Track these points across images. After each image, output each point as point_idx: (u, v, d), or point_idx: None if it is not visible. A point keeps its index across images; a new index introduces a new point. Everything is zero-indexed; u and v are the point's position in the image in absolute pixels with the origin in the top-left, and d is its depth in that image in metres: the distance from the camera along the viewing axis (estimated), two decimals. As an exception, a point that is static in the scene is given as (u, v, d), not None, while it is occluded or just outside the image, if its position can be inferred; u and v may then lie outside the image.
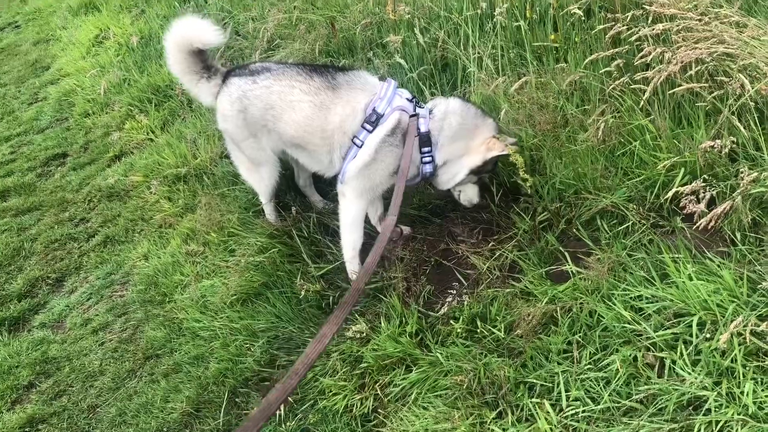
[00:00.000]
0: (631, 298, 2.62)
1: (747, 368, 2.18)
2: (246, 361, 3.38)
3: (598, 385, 2.43)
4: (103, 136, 6.48)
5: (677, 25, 2.99)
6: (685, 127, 3.04)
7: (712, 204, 2.66)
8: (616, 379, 2.39)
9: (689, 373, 2.27)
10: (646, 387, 2.32)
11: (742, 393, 2.14)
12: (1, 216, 5.62)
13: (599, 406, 2.35)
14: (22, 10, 11.94)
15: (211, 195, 4.62)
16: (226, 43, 6.00)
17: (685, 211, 2.72)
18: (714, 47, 2.81)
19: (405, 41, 4.55)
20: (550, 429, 2.38)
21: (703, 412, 2.16)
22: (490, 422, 2.50)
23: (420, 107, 3.35)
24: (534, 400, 2.50)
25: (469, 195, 3.49)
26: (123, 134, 6.26)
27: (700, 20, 2.99)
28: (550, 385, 2.53)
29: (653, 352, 2.41)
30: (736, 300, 2.36)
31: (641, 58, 3.05)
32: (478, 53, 4.09)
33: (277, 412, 2.99)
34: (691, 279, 2.49)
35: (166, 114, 6.11)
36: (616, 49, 3.26)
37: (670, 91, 2.99)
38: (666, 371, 2.34)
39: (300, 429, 2.96)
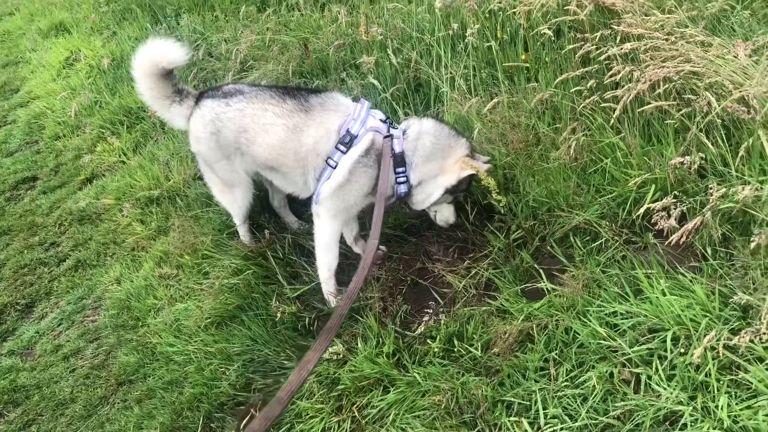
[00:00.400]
0: (606, 314, 2.63)
1: (721, 382, 2.20)
2: (221, 385, 3.32)
3: (576, 402, 2.43)
4: (74, 159, 6.39)
5: (645, 45, 3.05)
6: (654, 144, 3.09)
7: (683, 220, 2.70)
8: (593, 395, 2.40)
9: (665, 389, 2.28)
10: (622, 403, 2.33)
11: (717, 407, 2.15)
12: (-32, 241, 5.50)
13: (577, 424, 2.35)
14: (-9, 33, 11.81)
15: (184, 217, 4.58)
16: (199, 65, 5.98)
17: (656, 227, 2.75)
18: (681, 66, 2.87)
19: (378, 62, 4.58)
20: (529, 448, 2.37)
21: (679, 426, 2.18)
22: (469, 442, 2.49)
23: (393, 128, 3.36)
24: (512, 418, 2.50)
25: (445, 215, 3.49)
26: (94, 157, 6.19)
27: (667, 40, 3.05)
28: (528, 403, 2.53)
29: (629, 367, 2.42)
30: (708, 314, 2.38)
31: (611, 77, 3.10)
32: (451, 73, 4.12)
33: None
34: (664, 294, 2.51)
35: (139, 136, 6.06)
36: (586, 69, 3.32)
37: (640, 109, 3.03)
38: (642, 387, 2.36)
39: (277, 454, 2.91)
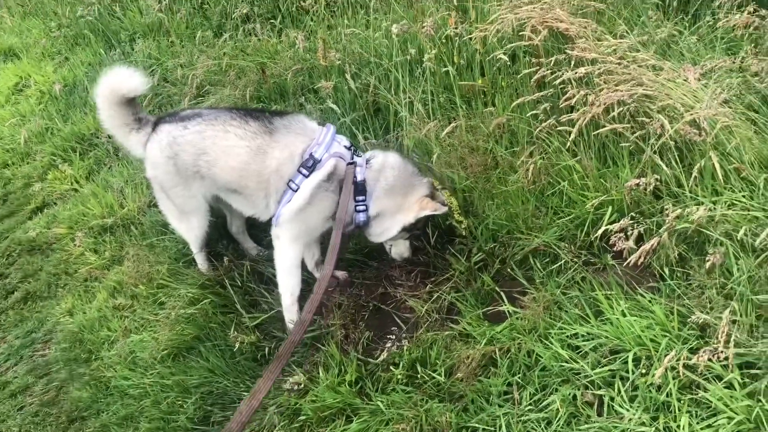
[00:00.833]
0: (567, 336, 2.64)
1: (682, 402, 2.22)
2: (179, 419, 3.22)
3: (540, 426, 2.42)
4: (23, 187, 6.20)
5: (598, 69, 3.10)
6: (610, 166, 3.14)
7: (640, 240, 2.73)
8: (557, 419, 2.39)
9: (627, 410, 2.29)
10: (586, 426, 2.32)
11: (678, 427, 2.16)
12: None
13: (542, 448, 2.34)
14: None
15: (139, 246, 4.46)
16: (155, 90, 5.89)
17: (615, 248, 2.78)
18: (634, 89, 2.92)
19: (337, 87, 4.57)
20: (495, 474, 2.34)
21: (643, 448, 2.18)
22: (434, 471, 2.45)
23: (357, 155, 3.35)
24: (477, 445, 2.47)
25: (401, 250, 3.48)
26: (45, 185, 6.01)
27: (619, 64, 3.11)
28: (493, 428, 2.51)
29: (592, 389, 2.42)
30: (668, 334, 2.41)
31: (566, 100, 3.15)
32: (409, 98, 4.14)
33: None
34: (624, 315, 2.53)
35: (92, 163, 5.92)
36: (542, 93, 3.36)
37: (595, 132, 3.08)
38: (605, 409, 2.36)
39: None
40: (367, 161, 3.34)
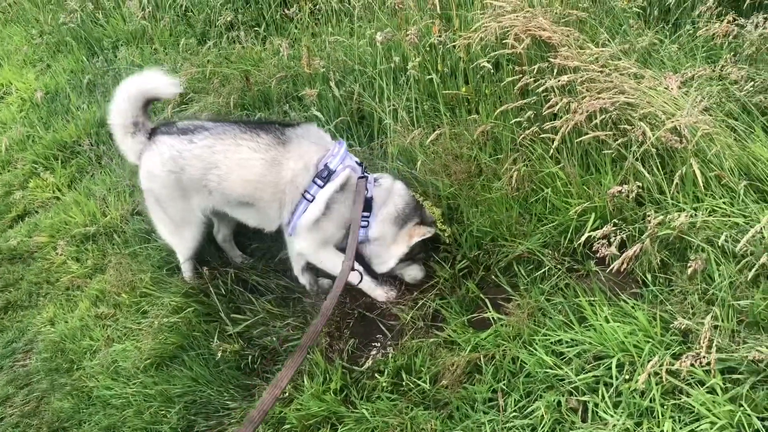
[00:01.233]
0: (551, 342, 2.65)
1: (665, 407, 2.23)
2: (162, 429, 3.20)
3: (525, 432, 2.42)
4: (4, 196, 6.13)
5: (581, 77, 3.12)
6: (593, 173, 3.16)
7: (623, 247, 2.74)
8: (542, 425, 2.39)
9: (611, 416, 2.30)
10: (571, 432, 2.33)
11: (662, 432, 2.18)
12: None
13: (527, 455, 2.34)
14: None
15: (122, 254, 4.43)
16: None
17: (598, 255, 2.79)
18: (616, 97, 2.95)
19: (321, 94, 4.58)
20: (480, 482, 2.34)
21: (627, 454, 2.18)
22: (419, 479, 2.44)
23: (366, 173, 3.38)
24: (462, 452, 2.47)
25: (413, 274, 3.46)
26: (26, 193, 5.95)
27: (601, 72, 3.14)
28: (478, 435, 2.50)
29: (576, 396, 2.43)
30: (651, 340, 2.42)
31: (549, 108, 3.16)
32: (394, 105, 4.15)
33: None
34: (607, 321, 2.54)
35: (74, 171, 5.87)
36: (525, 100, 3.38)
37: (578, 140, 3.10)
38: (589, 415, 2.36)
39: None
40: (375, 180, 3.39)
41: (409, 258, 3.40)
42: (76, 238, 4.92)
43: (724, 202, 2.71)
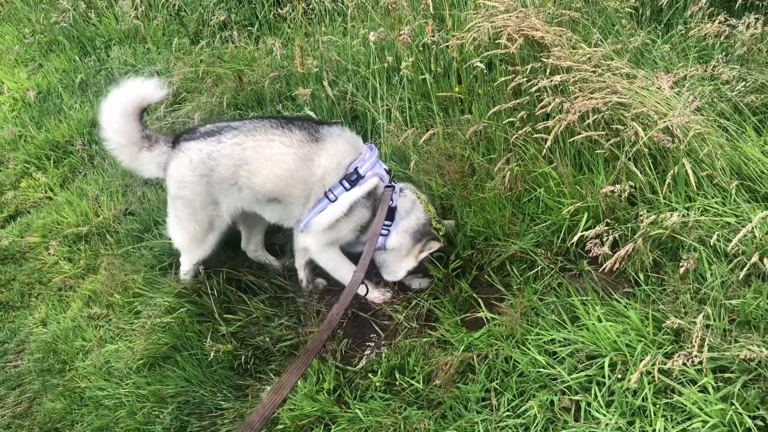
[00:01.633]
0: (544, 342, 2.65)
1: (657, 406, 2.24)
2: (155, 429, 3.18)
3: (518, 431, 2.42)
4: (-4, 196, 6.12)
5: (573, 77, 3.13)
6: (586, 173, 3.17)
7: (615, 246, 2.76)
8: (535, 425, 2.39)
9: (604, 415, 2.30)
10: (564, 431, 2.33)
11: (654, 431, 2.18)
12: None
13: (520, 454, 2.34)
14: None
15: (114, 254, 4.41)
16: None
17: (590, 254, 2.80)
18: (608, 97, 2.96)
19: (314, 94, 4.58)
20: (473, 481, 2.34)
21: (619, 453, 2.19)
22: (412, 478, 2.44)
23: (394, 182, 3.39)
24: (455, 452, 2.47)
25: (419, 284, 3.47)
26: (18, 193, 5.93)
27: (594, 72, 3.15)
28: (471, 435, 2.51)
29: (569, 395, 2.43)
30: (643, 339, 2.43)
31: (541, 108, 3.17)
32: (387, 105, 4.15)
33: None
34: (600, 321, 2.55)
35: (66, 171, 5.85)
36: (518, 100, 3.39)
37: (570, 139, 3.11)
38: (582, 414, 2.37)
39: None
40: (401, 190, 3.39)
41: (416, 271, 3.41)
42: (68, 238, 4.90)
43: (716, 202, 2.72)
